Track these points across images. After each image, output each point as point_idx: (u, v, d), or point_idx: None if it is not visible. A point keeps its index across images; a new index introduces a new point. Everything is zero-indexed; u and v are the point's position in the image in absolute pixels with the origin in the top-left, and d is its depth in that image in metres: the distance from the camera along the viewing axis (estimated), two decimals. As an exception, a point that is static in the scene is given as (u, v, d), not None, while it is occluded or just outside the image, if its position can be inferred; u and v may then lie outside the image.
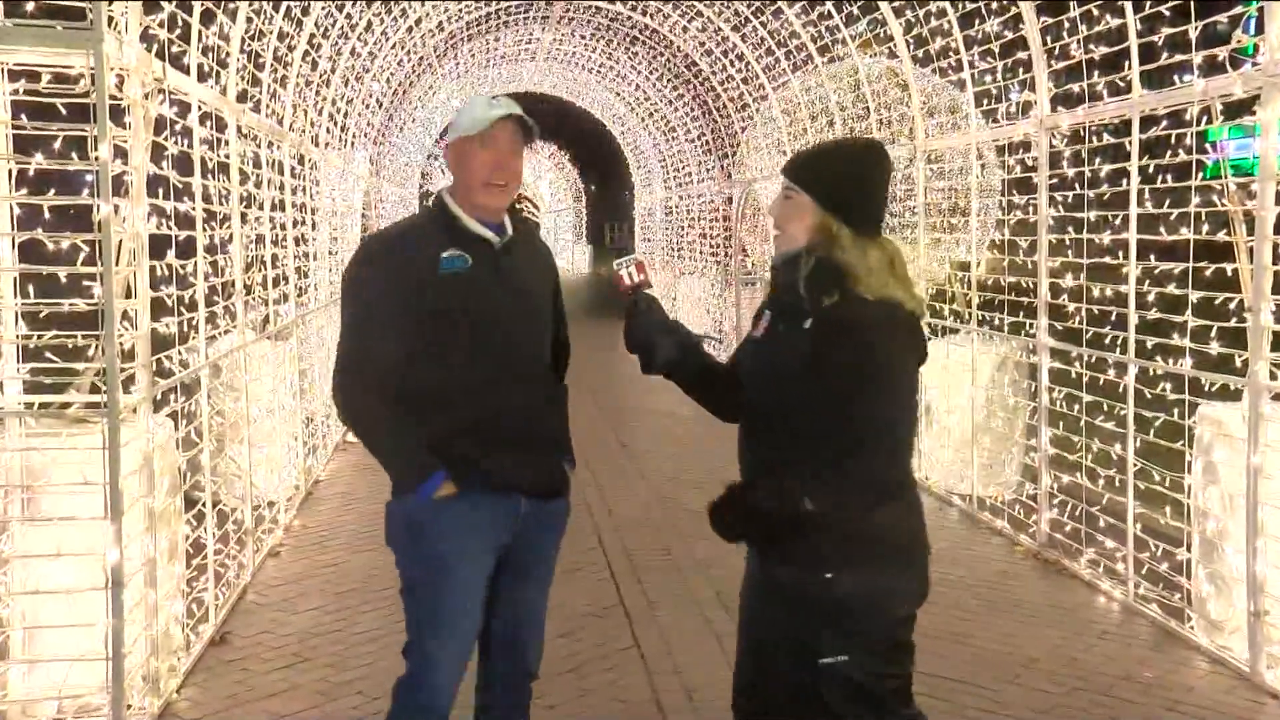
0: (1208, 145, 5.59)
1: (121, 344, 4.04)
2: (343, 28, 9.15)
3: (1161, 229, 5.54)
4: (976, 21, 7.04)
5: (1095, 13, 5.86)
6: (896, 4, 7.93)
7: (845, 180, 2.72)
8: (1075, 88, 6.13)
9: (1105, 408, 5.98)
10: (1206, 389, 5.27)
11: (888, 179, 2.80)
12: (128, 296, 4.22)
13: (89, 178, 3.94)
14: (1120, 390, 5.74)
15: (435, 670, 3.10)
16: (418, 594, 3.11)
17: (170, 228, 4.85)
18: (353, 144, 11.49)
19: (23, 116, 4.12)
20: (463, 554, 3.07)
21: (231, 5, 5.88)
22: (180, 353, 5.09)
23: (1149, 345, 5.60)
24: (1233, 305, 5.06)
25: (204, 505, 5.35)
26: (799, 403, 2.66)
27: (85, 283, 4.06)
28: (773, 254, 2.87)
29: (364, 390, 3.04)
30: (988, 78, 7.15)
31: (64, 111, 4.02)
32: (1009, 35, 6.72)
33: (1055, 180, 6.42)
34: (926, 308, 2.82)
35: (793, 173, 2.77)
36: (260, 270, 6.72)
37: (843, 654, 2.69)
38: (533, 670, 3.36)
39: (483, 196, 3.10)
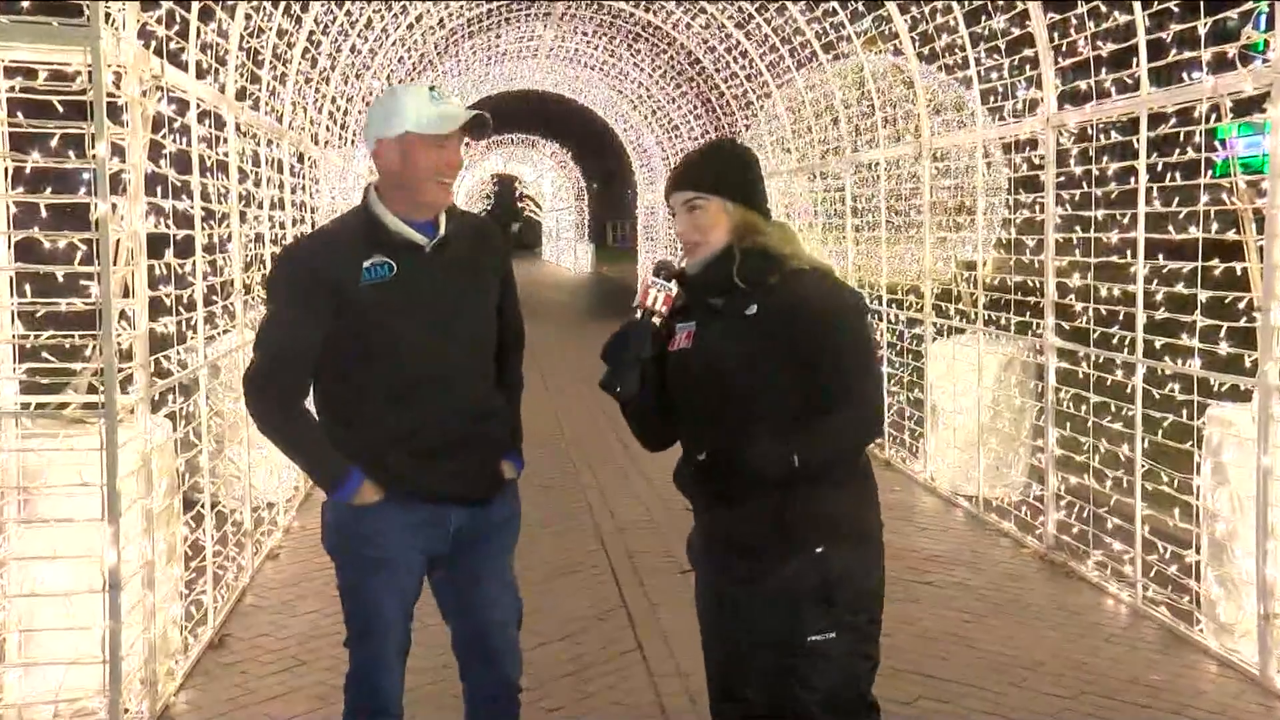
0: (1217, 143, 5.57)
1: (119, 344, 4.03)
2: (342, 24, 9.14)
3: (1170, 228, 5.52)
4: (982, 18, 7.02)
5: (1103, 9, 5.84)
6: (901, 0, 7.92)
7: (745, 174, 2.93)
8: (1082, 85, 6.11)
9: (1113, 408, 5.96)
10: (1215, 389, 5.24)
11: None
12: (125, 296, 4.21)
13: (86, 176, 3.94)
14: (1128, 391, 5.72)
15: (371, 672, 3.10)
16: (351, 591, 3.12)
17: (168, 226, 4.84)
18: (353, 142, 11.48)
19: (19, 114, 4.11)
20: (393, 557, 3.05)
21: (230, 2, 5.87)
22: (179, 353, 5.08)
23: (1157, 345, 5.57)
24: (1242, 305, 5.04)
25: (202, 507, 5.34)
26: (759, 386, 2.80)
27: (82, 282, 4.05)
28: (687, 267, 2.93)
29: (274, 402, 3.03)
30: (994, 75, 7.13)
31: (60, 109, 4.01)
32: (1015, 32, 6.70)
33: (1062, 178, 6.40)
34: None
35: (694, 184, 2.90)
36: (259, 269, 6.70)
37: (830, 631, 2.78)
38: (512, 679, 3.28)
39: (431, 194, 3.01)
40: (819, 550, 2.78)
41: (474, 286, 3.13)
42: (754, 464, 2.73)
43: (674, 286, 2.92)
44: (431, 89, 3.02)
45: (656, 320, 2.91)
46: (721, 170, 2.92)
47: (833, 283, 2.87)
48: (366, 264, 2.96)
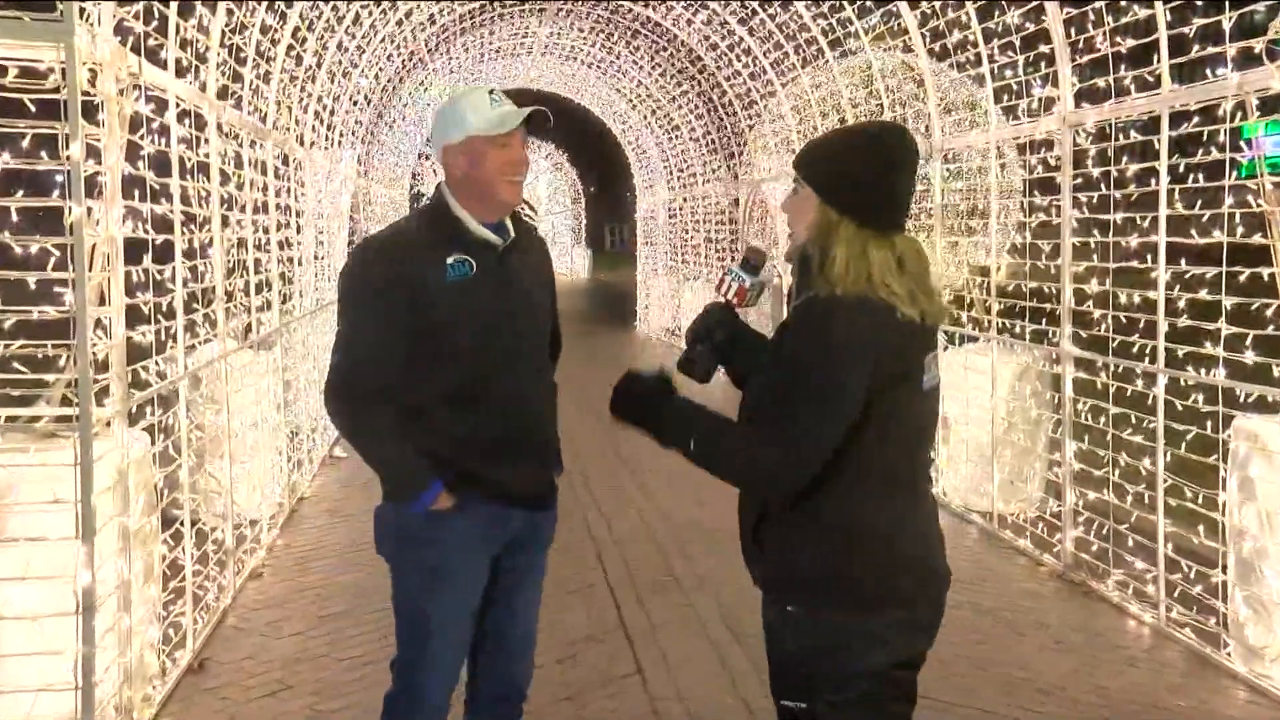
0: (1242, 142, 5.54)
1: (95, 354, 4.01)
2: (329, 21, 9.13)
3: (1193, 231, 5.50)
4: (996, 13, 7.01)
5: (1122, 3, 5.83)
6: (911, -5, 7.92)
7: (847, 169, 2.57)
8: (1101, 82, 6.09)
9: (1133, 420, 5.94)
10: (1241, 400, 5.22)
11: (901, 166, 2.59)
12: (101, 304, 4.19)
13: (59, 178, 3.91)
14: (1149, 402, 5.70)
15: (429, 682, 3.19)
16: (411, 604, 3.20)
17: (147, 231, 4.81)
18: (340, 143, 11.47)
19: (-11, 113, 4.09)
20: (459, 564, 3.16)
21: (212, -3, 5.86)
22: (157, 363, 5.05)
23: (1180, 354, 5.55)
24: (1269, 312, 5.02)
25: (182, 524, 5.30)
26: (757, 402, 2.65)
27: (56, 289, 4.02)
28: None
29: (364, 400, 3.09)
30: (1008, 72, 7.12)
31: (32, 108, 3.98)
32: (1031, 27, 6.69)
33: (1079, 180, 6.38)
34: (942, 313, 2.64)
35: (797, 163, 2.70)
36: (242, 276, 6.68)
37: (803, 701, 2.58)
38: (523, 688, 3.42)
39: (505, 193, 3.16)
40: (789, 609, 2.55)
41: (538, 289, 3.31)
42: (665, 418, 2.59)
43: (749, 278, 2.80)
44: (490, 92, 3.17)
45: (725, 307, 2.85)
46: (827, 160, 2.62)
47: (827, 316, 2.46)
48: (449, 261, 3.08)
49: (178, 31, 5.25)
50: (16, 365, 4.23)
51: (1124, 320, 6.02)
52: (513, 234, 3.22)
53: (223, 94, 6.22)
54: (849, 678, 2.53)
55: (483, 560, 3.21)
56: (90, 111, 4.05)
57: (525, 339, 3.22)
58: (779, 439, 2.44)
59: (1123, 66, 5.90)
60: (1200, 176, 5.46)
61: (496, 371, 3.13)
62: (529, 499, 3.26)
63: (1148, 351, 5.74)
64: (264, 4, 6.96)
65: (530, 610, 3.41)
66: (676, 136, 17.98)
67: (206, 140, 5.82)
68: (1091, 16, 6.09)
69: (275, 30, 7.47)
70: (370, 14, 10.53)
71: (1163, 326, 5.53)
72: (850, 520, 2.52)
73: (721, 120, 15.66)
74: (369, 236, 3.44)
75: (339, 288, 3.19)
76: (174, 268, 5.17)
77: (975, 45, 7.33)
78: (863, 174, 2.56)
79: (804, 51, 10.95)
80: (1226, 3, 5.11)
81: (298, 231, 8.81)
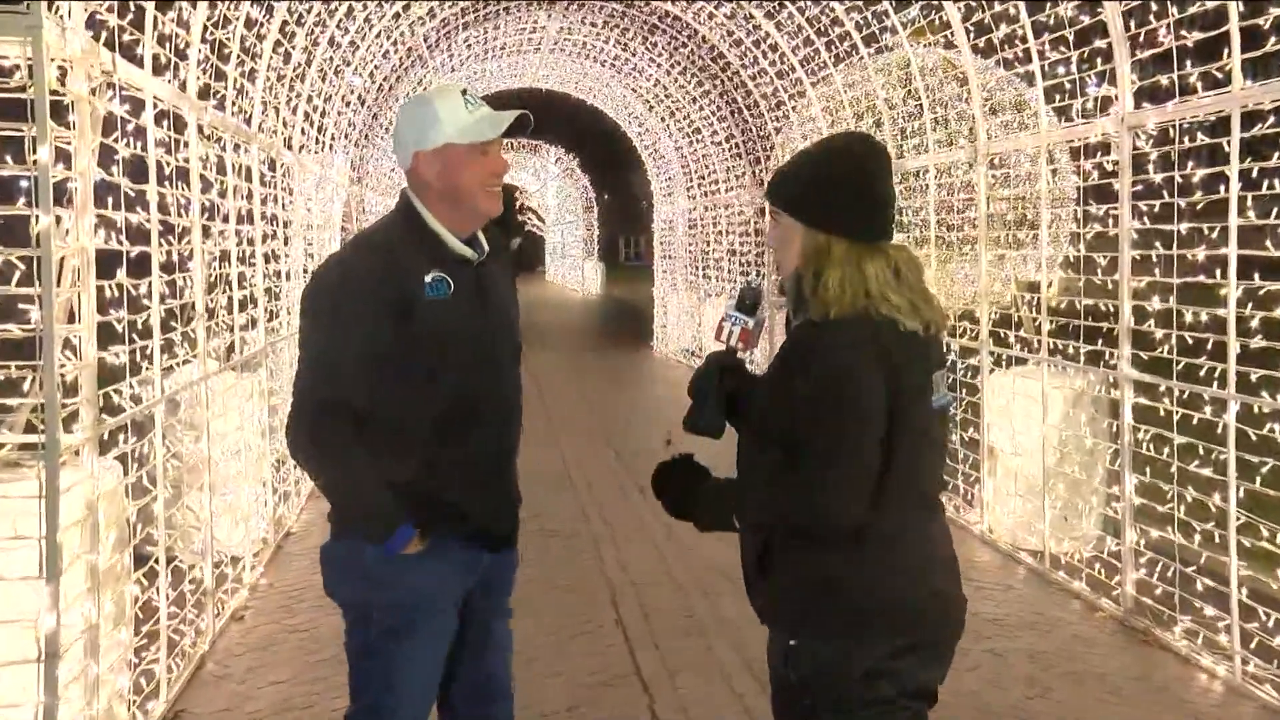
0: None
1: (63, 376, 3.99)
2: (320, 15, 9.16)
3: (1267, 242, 5.45)
4: (1048, 5, 6.99)
5: (1188, -8, 5.80)
6: (954, -14, 7.90)
7: (824, 189, 2.75)
8: (1164, 80, 6.06)
9: (1200, 451, 5.88)
10: (1321, 429, 5.17)
11: (877, 172, 2.77)
12: (70, 321, 4.18)
13: (25, 184, 3.90)
14: (1218, 431, 5.64)
15: None
16: (375, 650, 3.18)
17: (121, 242, 4.81)
18: (331, 147, 11.51)
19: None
20: (430, 609, 3.16)
21: (193, -12, 5.88)
22: (131, 386, 5.05)
23: (1253, 378, 5.51)
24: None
25: (157, 562, 5.29)
26: (759, 429, 2.80)
27: (21, 305, 4.01)
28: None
29: (339, 427, 3.05)
30: (1060, 69, 7.10)
31: (-4, 108, 3.99)
32: (1086, 20, 6.67)
33: (1139, 187, 6.35)
34: (944, 321, 2.85)
35: (770, 194, 2.84)
36: (225, 291, 6.69)
37: None
38: None
39: (484, 203, 3.17)
40: (792, 643, 2.72)
41: (509, 301, 3.34)
42: (703, 503, 2.78)
43: (751, 319, 2.90)
44: (464, 93, 3.18)
45: (740, 355, 2.93)
46: (799, 184, 2.80)
47: (824, 339, 2.64)
48: (428, 279, 3.09)
49: (155, 26, 5.26)
50: (-23, 388, 4.23)
51: (1189, 341, 5.97)
52: (485, 245, 3.25)
53: (204, 94, 6.24)
54: (854, 708, 2.65)
55: (454, 601, 3.22)
56: (60, 112, 4.05)
57: (502, 358, 3.26)
58: (831, 476, 2.57)
59: (1188, 62, 5.87)
60: (1275, 182, 5.42)
61: (480, 393, 3.16)
62: (500, 538, 3.30)
63: (1216, 375, 5.69)
64: (250, -4, 6.99)
65: (507, 653, 3.45)
66: (697, 140, 18.00)
67: (187, 144, 5.83)
68: (1154, 8, 6.06)
69: (261, 25, 7.50)
70: (365, 8, 10.57)
71: (1233, 347, 5.47)
72: (860, 543, 2.64)
73: (746, 123, 15.67)
74: (337, 251, 3.45)
75: (310, 304, 3.15)
76: (150, 282, 5.17)
77: (1024, 40, 7.31)
78: (841, 189, 2.73)
79: (836, 48, 10.94)
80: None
81: (285, 243, 8.82)
